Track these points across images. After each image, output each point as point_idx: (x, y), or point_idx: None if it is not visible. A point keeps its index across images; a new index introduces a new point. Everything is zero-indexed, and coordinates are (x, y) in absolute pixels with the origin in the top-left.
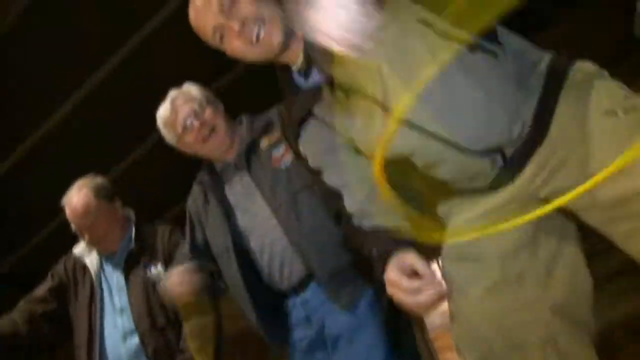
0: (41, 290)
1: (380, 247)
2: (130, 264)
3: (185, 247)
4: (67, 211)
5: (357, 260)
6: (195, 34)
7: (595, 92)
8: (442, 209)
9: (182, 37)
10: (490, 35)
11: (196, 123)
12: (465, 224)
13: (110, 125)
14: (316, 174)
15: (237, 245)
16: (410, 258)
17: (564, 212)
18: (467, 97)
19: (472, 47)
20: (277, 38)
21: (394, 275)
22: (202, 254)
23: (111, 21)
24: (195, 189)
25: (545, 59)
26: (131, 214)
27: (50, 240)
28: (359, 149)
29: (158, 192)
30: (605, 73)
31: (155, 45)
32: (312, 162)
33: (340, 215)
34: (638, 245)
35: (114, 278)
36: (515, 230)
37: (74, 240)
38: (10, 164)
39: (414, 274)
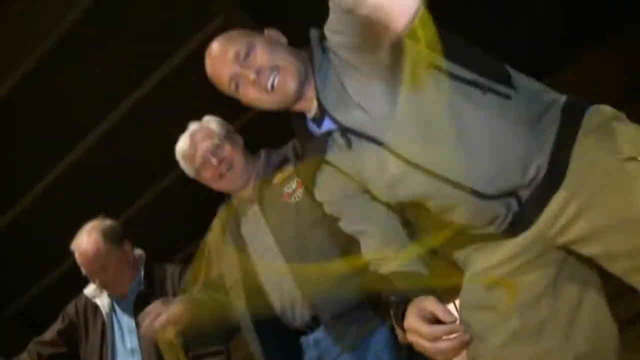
0: (50, 332)
1: (399, 294)
2: (140, 306)
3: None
4: (77, 255)
5: (370, 302)
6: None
7: (615, 137)
8: (459, 256)
9: (200, 76)
10: (503, 78)
11: (214, 160)
12: (483, 272)
13: (121, 168)
14: (334, 220)
15: (247, 280)
16: (431, 304)
17: (587, 260)
18: (478, 140)
19: (485, 89)
20: (291, 85)
21: (414, 322)
22: (215, 288)
23: (125, 64)
24: (216, 223)
25: (560, 101)
26: (142, 255)
27: (60, 282)
28: (374, 195)
29: (166, 236)
30: (624, 116)
31: (171, 86)
32: (329, 209)
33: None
34: None
35: (125, 319)
36: (535, 279)
37: (83, 281)
38: (20, 207)
39: (435, 320)
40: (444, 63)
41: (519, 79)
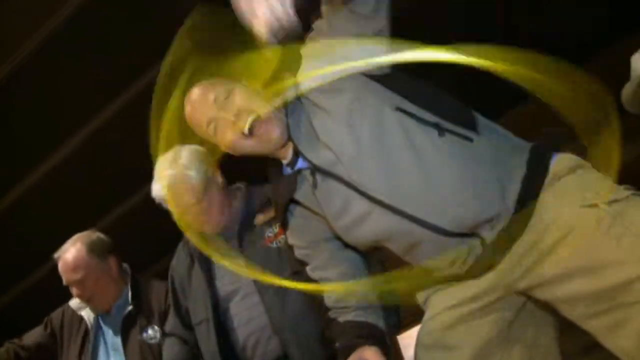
0: (31, 339)
1: (345, 342)
2: (128, 326)
3: (171, 323)
4: (59, 264)
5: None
6: None
7: (578, 185)
8: (421, 297)
9: None
10: (466, 122)
11: (192, 217)
12: (442, 312)
13: (99, 177)
14: (301, 265)
15: (216, 317)
16: (371, 354)
17: (545, 305)
18: (438, 177)
19: (445, 131)
20: (275, 133)
21: None
22: (187, 325)
23: (106, 74)
24: (181, 252)
25: (526, 148)
26: (127, 269)
27: (33, 290)
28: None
29: (143, 247)
30: (588, 164)
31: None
32: (297, 253)
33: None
34: (621, 339)
35: (110, 337)
36: (491, 322)
37: (57, 290)
38: None
39: None
40: (406, 105)
41: (485, 124)
